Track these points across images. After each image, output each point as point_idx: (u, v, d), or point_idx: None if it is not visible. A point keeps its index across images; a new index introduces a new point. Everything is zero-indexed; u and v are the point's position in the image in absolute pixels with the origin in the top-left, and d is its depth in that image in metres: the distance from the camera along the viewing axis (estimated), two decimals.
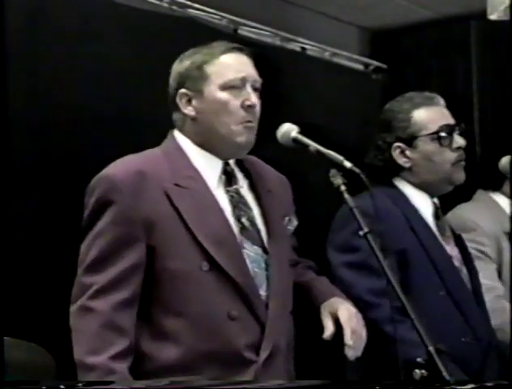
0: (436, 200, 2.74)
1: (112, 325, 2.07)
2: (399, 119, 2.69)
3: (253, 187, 2.31)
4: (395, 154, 2.69)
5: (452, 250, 2.70)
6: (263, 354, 2.15)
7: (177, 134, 2.30)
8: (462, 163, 2.70)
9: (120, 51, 3.51)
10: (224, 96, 2.23)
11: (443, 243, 2.67)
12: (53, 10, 3.35)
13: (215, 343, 2.12)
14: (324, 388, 1.97)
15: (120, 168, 2.19)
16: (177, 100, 2.28)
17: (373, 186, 2.55)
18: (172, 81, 2.32)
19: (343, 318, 2.20)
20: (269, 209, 2.29)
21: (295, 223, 2.35)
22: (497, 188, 3.34)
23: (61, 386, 1.92)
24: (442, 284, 2.57)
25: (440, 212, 2.73)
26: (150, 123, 3.51)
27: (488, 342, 2.64)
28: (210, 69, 2.25)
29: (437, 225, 2.70)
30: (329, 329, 2.19)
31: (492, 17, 3.08)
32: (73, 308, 2.12)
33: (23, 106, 3.17)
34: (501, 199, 3.32)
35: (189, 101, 2.27)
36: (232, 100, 2.23)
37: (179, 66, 2.31)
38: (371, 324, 2.36)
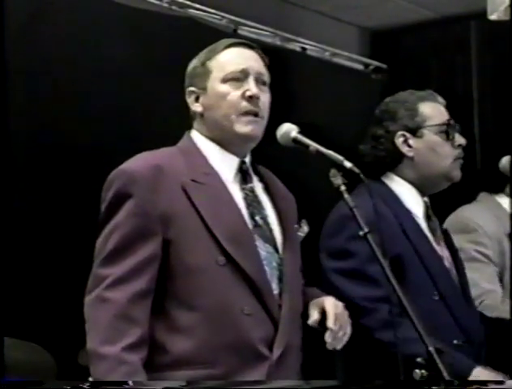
0: (426, 199, 2.73)
1: (126, 316, 2.07)
2: (406, 108, 2.68)
3: (267, 191, 2.32)
4: (398, 142, 2.67)
5: (443, 250, 2.69)
6: (277, 351, 2.15)
7: (193, 133, 2.32)
8: (461, 161, 2.71)
9: (120, 51, 3.52)
10: (224, 88, 2.24)
11: (435, 245, 2.66)
12: (54, 10, 3.35)
13: (229, 336, 2.12)
14: None
15: (138, 162, 2.20)
16: (186, 98, 2.30)
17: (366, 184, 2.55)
18: (185, 80, 2.34)
19: (328, 305, 2.20)
20: (284, 212, 2.31)
21: (305, 229, 2.35)
22: (499, 190, 3.33)
23: (66, 387, 1.93)
24: (435, 288, 2.57)
25: (431, 212, 2.72)
26: (150, 122, 3.52)
27: (479, 343, 2.64)
28: (211, 64, 2.27)
29: (429, 226, 2.69)
30: (313, 316, 2.19)
31: (492, 17, 3.08)
32: (88, 298, 2.12)
33: (23, 106, 3.17)
34: (504, 201, 3.31)
35: (197, 99, 2.29)
36: (233, 92, 2.23)
37: (189, 65, 2.34)
38: (366, 330, 2.42)
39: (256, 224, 2.22)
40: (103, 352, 2.04)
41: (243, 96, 2.23)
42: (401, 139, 2.67)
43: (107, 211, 2.17)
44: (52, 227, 3.20)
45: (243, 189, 2.26)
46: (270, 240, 2.23)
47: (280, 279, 2.21)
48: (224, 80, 2.24)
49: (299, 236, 2.34)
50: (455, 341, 2.52)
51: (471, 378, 2.42)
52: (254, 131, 2.25)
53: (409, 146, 2.67)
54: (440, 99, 2.74)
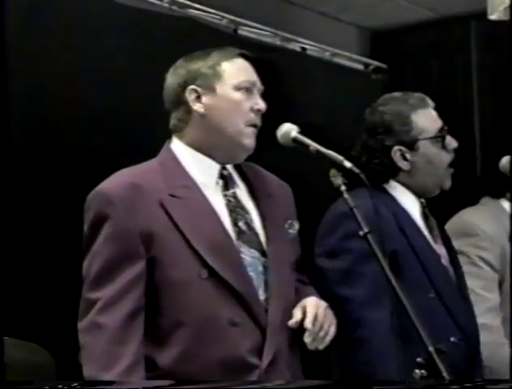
0: (423, 200, 2.73)
1: (120, 339, 2.08)
2: (401, 121, 2.66)
3: (251, 191, 2.31)
4: (396, 157, 2.66)
5: (440, 249, 2.70)
6: (266, 359, 2.15)
7: (172, 143, 2.30)
8: (452, 170, 2.70)
9: (120, 51, 3.51)
10: (237, 96, 2.25)
11: (432, 243, 2.67)
12: (53, 10, 3.35)
13: (217, 349, 2.12)
14: (325, 388, 1.98)
15: (114, 182, 2.19)
16: (186, 95, 2.27)
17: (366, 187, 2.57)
18: (177, 78, 2.30)
19: (309, 305, 2.19)
20: (268, 213, 2.29)
21: (296, 226, 2.34)
22: (501, 194, 3.32)
23: (60, 386, 1.92)
24: (432, 286, 2.57)
25: (427, 211, 2.73)
26: (150, 122, 3.51)
27: (476, 341, 2.65)
28: (223, 69, 2.27)
29: (426, 225, 2.70)
30: (295, 316, 2.18)
31: (492, 17, 3.08)
32: (81, 325, 2.12)
33: (22, 106, 3.17)
34: (506, 205, 3.30)
35: (198, 98, 2.27)
36: (244, 102, 2.25)
37: (187, 64, 2.30)
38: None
39: (240, 231, 2.22)
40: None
41: (251, 109, 2.25)
42: (398, 154, 2.66)
43: (88, 233, 2.17)
44: (52, 227, 3.20)
45: (225, 195, 2.25)
46: (255, 244, 2.23)
47: (267, 284, 2.20)
48: (237, 88, 2.25)
49: (290, 233, 2.33)
50: (452, 338, 2.52)
51: None
52: (253, 144, 2.28)
53: (406, 160, 2.67)
54: (430, 102, 2.73)
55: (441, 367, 1.89)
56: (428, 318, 2.42)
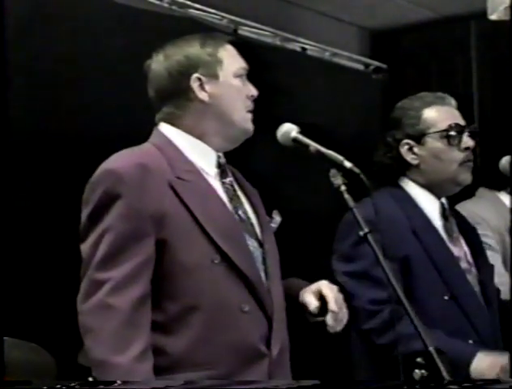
0: (444, 200, 2.74)
1: (132, 322, 2.03)
2: (409, 116, 2.70)
3: (239, 184, 2.31)
4: (403, 150, 2.69)
5: (460, 250, 2.69)
6: (275, 348, 2.14)
7: (164, 128, 2.27)
8: (470, 164, 2.71)
9: (120, 50, 3.51)
10: (237, 83, 2.26)
11: (450, 245, 2.66)
12: (53, 9, 3.35)
13: (229, 335, 2.10)
14: (325, 388, 1.97)
15: (122, 161, 2.15)
16: (190, 83, 2.23)
17: (379, 187, 2.60)
18: (174, 65, 2.26)
19: (325, 289, 2.18)
20: (257, 205, 2.30)
21: (278, 220, 2.35)
22: (500, 188, 3.34)
23: (59, 386, 1.91)
24: (447, 289, 2.57)
25: (448, 213, 2.73)
26: (149, 123, 3.51)
27: (494, 345, 2.63)
28: (221, 55, 2.26)
29: (445, 226, 2.69)
30: (313, 303, 2.17)
31: (492, 17, 3.08)
32: (87, 306, 2.06)
33: (22, 106, 3.17)
34: (504, 197, 3.33)
35: (201, 86, 2.24)
36: (243, 88, 2.27)
37: (183, 50, 2.28)
38: (368, 333, 2.51)
39: (241, 219, 2.21)
40: (114, 362, 1.99)
41: (247, 95, 2.27)
42: (406, 147, 2.69)
43: (94, 213, 2.10)
44: (52, 226, 3.20)
45: (223, 183, 2.24)
46: (253, 234, 2.22)
47: (267, 274, 2.20)
48: (236, 75, 2.26)
49: (272, 227, 2.33)
50: (470, 341, 2.52)
51: (474, 366, 2.41)
52: (252, 129, 2.29)
53: (414, 153, 2.68)
54: (449, 101, 2.75)
55: (441, 367, 1.89)
56: (443, 321, 2.44)
